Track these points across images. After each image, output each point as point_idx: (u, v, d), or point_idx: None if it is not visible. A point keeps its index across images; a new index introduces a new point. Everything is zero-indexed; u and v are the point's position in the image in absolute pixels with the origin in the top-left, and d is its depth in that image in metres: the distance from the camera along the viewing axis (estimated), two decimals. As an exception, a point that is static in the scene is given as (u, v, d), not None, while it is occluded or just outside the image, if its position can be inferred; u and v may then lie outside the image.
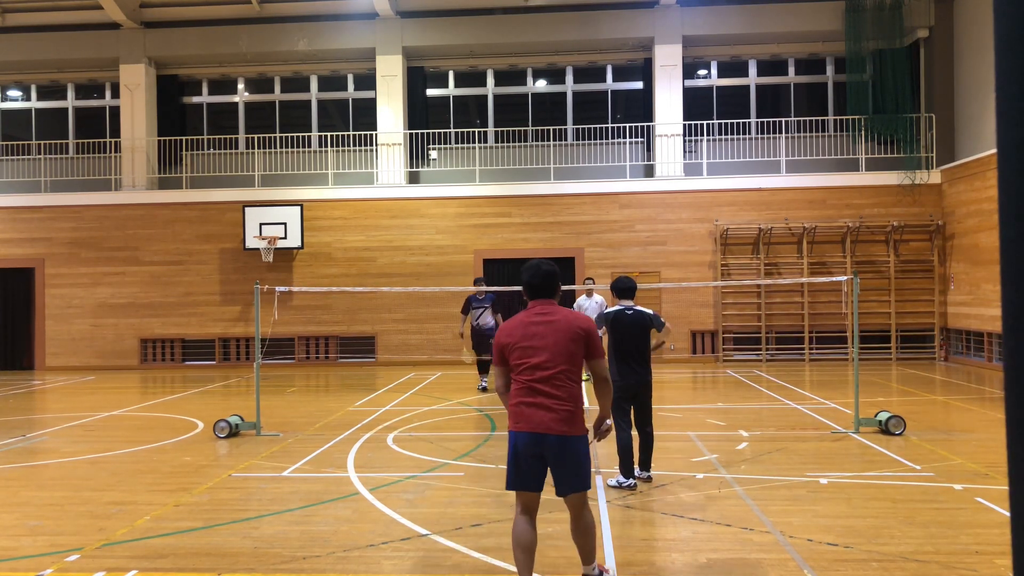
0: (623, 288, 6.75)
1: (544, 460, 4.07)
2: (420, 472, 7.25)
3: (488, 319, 13.01)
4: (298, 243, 17.76)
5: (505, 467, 4.21)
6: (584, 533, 4.23)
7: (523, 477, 4.07)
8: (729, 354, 17.47)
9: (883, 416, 8.77)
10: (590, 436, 4.24)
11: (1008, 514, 1.39)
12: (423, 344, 17.94)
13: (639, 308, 6.70)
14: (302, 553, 5.00)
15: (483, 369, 13.06)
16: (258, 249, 17.74)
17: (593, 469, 7.06)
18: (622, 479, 6.51)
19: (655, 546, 5.06)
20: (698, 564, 4.75)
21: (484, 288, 12.58)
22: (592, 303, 13.50)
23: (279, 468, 7.50)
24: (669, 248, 17.64)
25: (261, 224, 17.66)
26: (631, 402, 6.70)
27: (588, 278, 14.65)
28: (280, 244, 17.66)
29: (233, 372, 17.22)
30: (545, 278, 4.25)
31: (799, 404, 11.14)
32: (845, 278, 10.37)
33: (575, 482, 4.09)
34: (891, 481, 6.66)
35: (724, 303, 17.55)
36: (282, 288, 10.50)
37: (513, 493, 4.22)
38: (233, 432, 9.17)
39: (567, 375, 4.06)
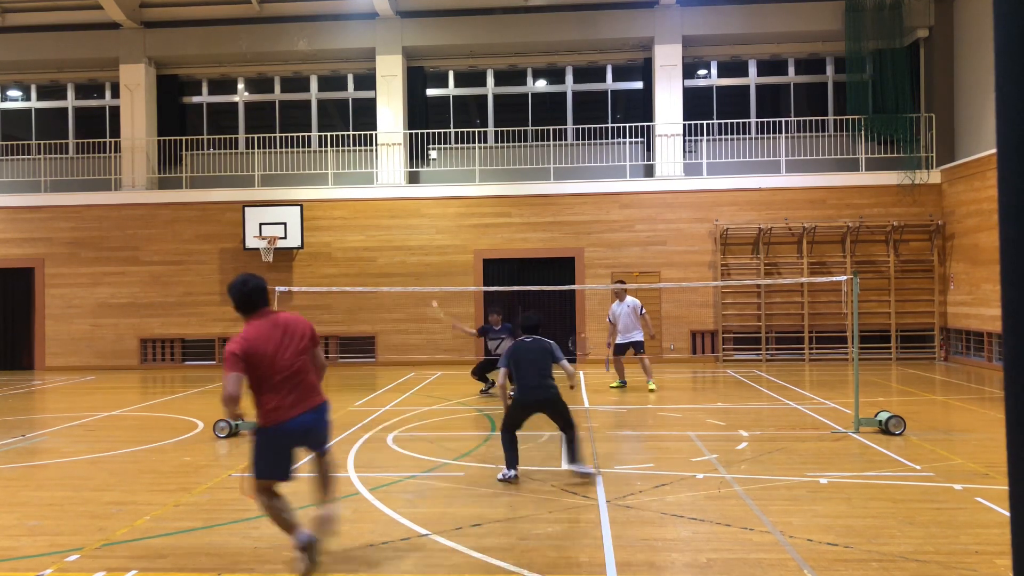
0: (528, 327, 7.29)
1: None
2: (420, 472, 7.25)
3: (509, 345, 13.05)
4: (298, 243, 17.76)
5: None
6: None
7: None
8: (729, 354, 17.47)
9: (883, 416, 8.77)
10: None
11: (1008, 514, 1.39)
12: (423, 344, 17.94)
13: (538, 337, 7.20)
14: (302, 553, 5.00)
15: (483, 378, 12.92)
16: (258, 249, 17.74)
17: (593, 469, 7.08)
18: (506, 472, 6.83)
19: (655, 546, 5.06)
20: (698, 564, 4.75)
21: (499, 317, 12.67)
22: (625, 307, 12.79)
23: (279, 468, 7.49)
24: (669, 248, 17.64)
25: (261, 224, 17.66)
26: (530, 413, 7.02)
27: (619, 280, 13.52)
28: (280, 244, 17.66)
29: (233, 372, 17.19)
30: (256, 292, 4.83)
31: (799, 404, 11.14)
32: (845, 278, 10.37)
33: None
34: (891, 481, 6.66)
35: (724, 303, 17.55)
36: (282, 288, 10.50)
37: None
38: (233, 432, 9.17)
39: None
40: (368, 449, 8.35)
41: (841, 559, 4.77)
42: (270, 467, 4.70)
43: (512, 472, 6.79)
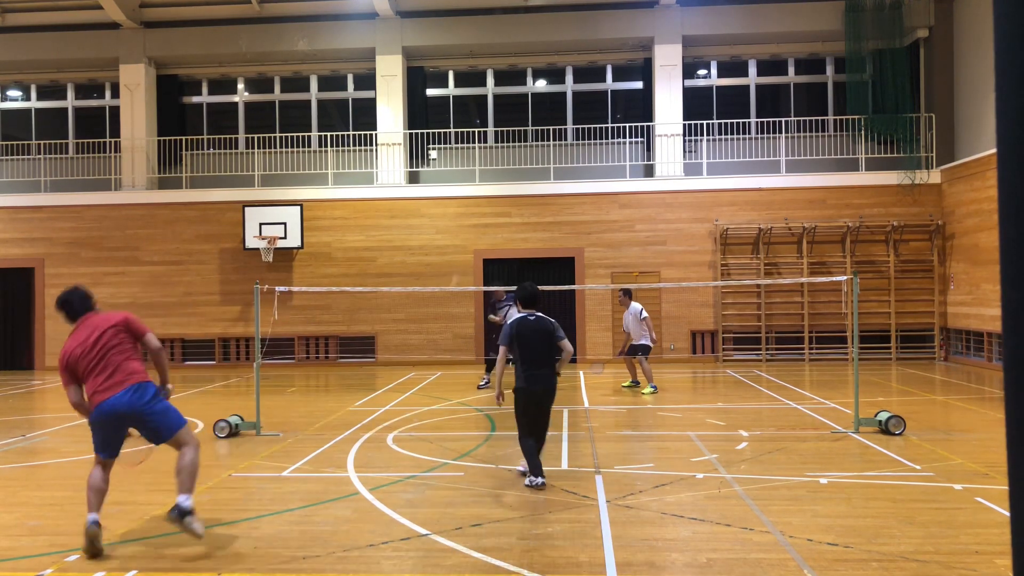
0: (526, 296, 6.94)
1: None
2: (420, 472, 7.25)
3: (514, 313, 13.32)
4: (298, 243, 17.76)
5: None
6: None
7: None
8: (729, 354, 17.47)
9: (883, 416, 8.77)
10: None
11: (1008, 514, 1.39)
12: (423, 344, 17.94)
13: (541, 315, 6.83)
14: (302, 553, 5.00)
15: (490, 369, 13.50)
16: (258, 249, 17.74)
17: (593, 469, 7.08)
18: (533, 479, 6.53)
19: (655, 546, 5.06)
20: (698, 564, 4.75)
21: (504, 289, 13.21)
22: (628, 315, 12.88)
23: (279, 468, 7.50)
24: (669, 248, 17.64)
25: (261, 224, 17.66)
26: (538, 402, 6.66)
27: (623, 290, 13.30)
28: (280, 244, 17.66)
29: (233, 372, 17.22)
30: (67, 304, 5.35)
31: (799, 404, 11.14)
32: (845, 278, 10.38)
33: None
34: (891, 481, 6.66)
35: (724, 303, 17.55)
36: (282, 288, 10.50)
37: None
38: (233, 432, 9.17)
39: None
40: (368, 449, 8.35)
41: (841, 559, 4.77)
42: (98, 444, 5.21)
43: (540, 479, 6.50)
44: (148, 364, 5.45)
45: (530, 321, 6.72)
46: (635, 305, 12.91)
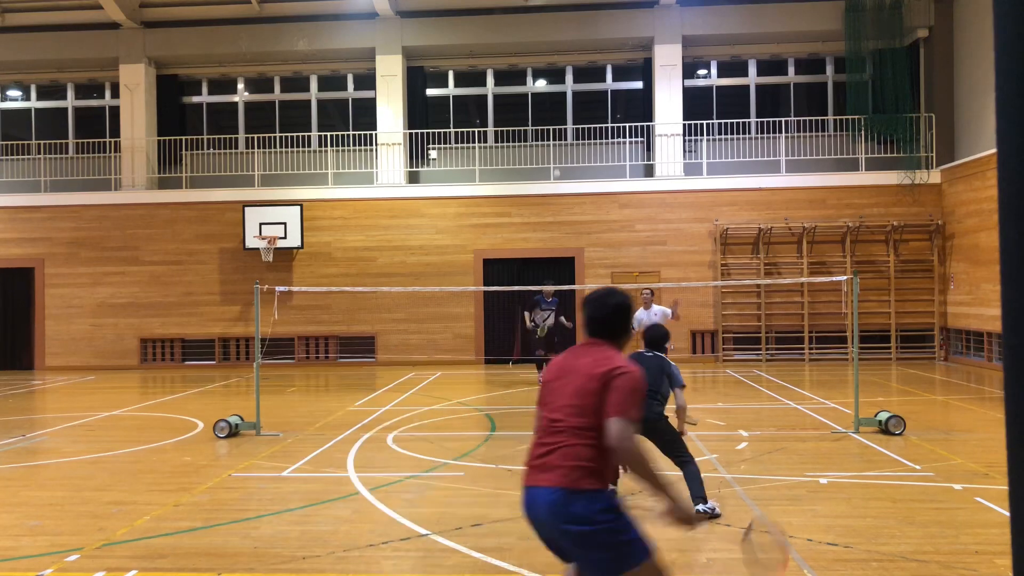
0: (653, 339, 6.19)
1: None
2: (420, 472, 7.25)
3: (552, 322, 13.98)
4: (298, 243, 17.76)
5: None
6: None
7: None
8: (729, 354, 17.47)
9: (883, 416, 8.77)
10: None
11: (1008, 514, 1.39)
12: (423, 344, 17.94)
13: (660, 355, 6.09)
14: (302, 553, 5.00)
15: (541, 367, 13.88)
16: (258, 249, 17.74)
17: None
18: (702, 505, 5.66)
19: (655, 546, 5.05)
20: (698, 564, 4.75)
21: (551, 289, 13.52)
22: (652, 316, 11.38)
23: (279, 468, 7.50)
24: (669, 248, 17.64)
25: (261, 224, 17.66)
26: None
27: (647, 290, 12.11)
28: (280, 244, 17.66)
29: (233, 372, 17.22)
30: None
31: (799, 404, 11.14)
32: (845, 278, 10.37)
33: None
34: (891, 481, 6.66)
35: (724, 303, 17.54)
36: (282, 288, 10.50)
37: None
38: (233, 432, 9.17)
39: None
40: (368, 449, 8.35)
41: (841, 559, 4.77)
42: None
43: (703, 506, 5.57)
44: None
45: (647, 357, 5.98)
46: (662, 308, 11.72)
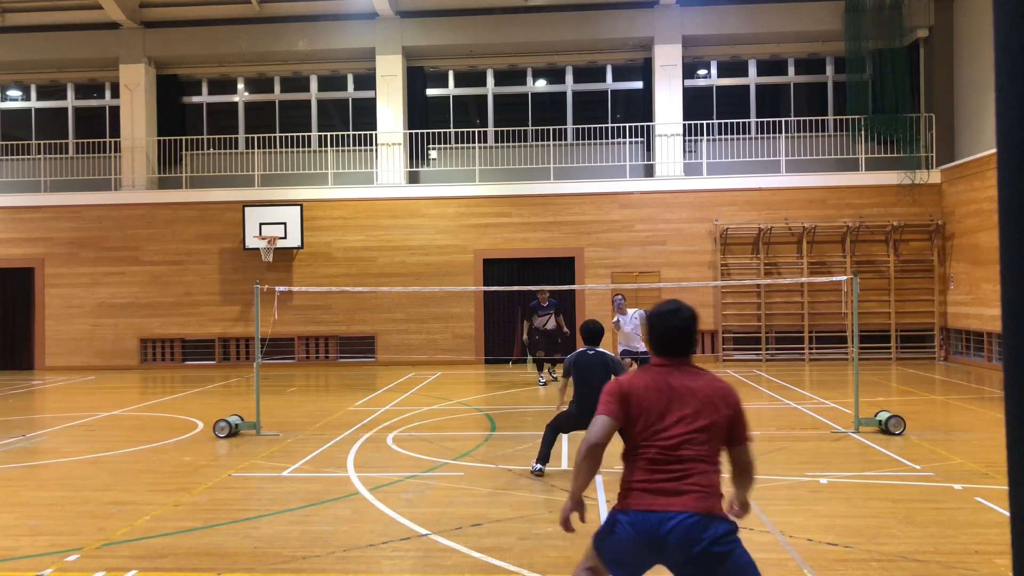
0: (590, 334, 7.01)
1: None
2: (420, 472, 7.25)
3: (553, 324, 14.33)
4: (298, 243, 17.76)
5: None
6: None
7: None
8: (729, 354, 17.47)
9: (883, 416, 8.77)
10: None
11: (1008, 514, 1.39)
12: (423, 344, 17.94)
13: (602, 351, 6.98)
14: (302, 553, 5.00)
15: (542, 367, 14.26)
16: (258, 249, 17.74)
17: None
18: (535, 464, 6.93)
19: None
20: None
21: (546, 295, 14.07)
22: (635, 319, 11.82)
23: (279, 468, 7.50)
24: (669, 248, 17.64)
25: (261, 224, 17.66)
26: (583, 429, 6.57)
27: (618, 295, 12.61)
28: (280, 244, 17.66)
29: (233, 372, 17.22)
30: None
31: (799, 404, 11.14)
32: (845, 278, 10.37)
33: None
34: (891, 481, 6.66)
35: (724, 303, 17.55)
36: (282, 288, 10.50)
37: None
38: (233, 432, 9.17)
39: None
40: (368, 449, 8.35)
41: (841, 559, 4.77)
42: None
43: (539, 466, 6.90)
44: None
45: (589, 356, 6.90)
46: (634, 311, 12.10)
